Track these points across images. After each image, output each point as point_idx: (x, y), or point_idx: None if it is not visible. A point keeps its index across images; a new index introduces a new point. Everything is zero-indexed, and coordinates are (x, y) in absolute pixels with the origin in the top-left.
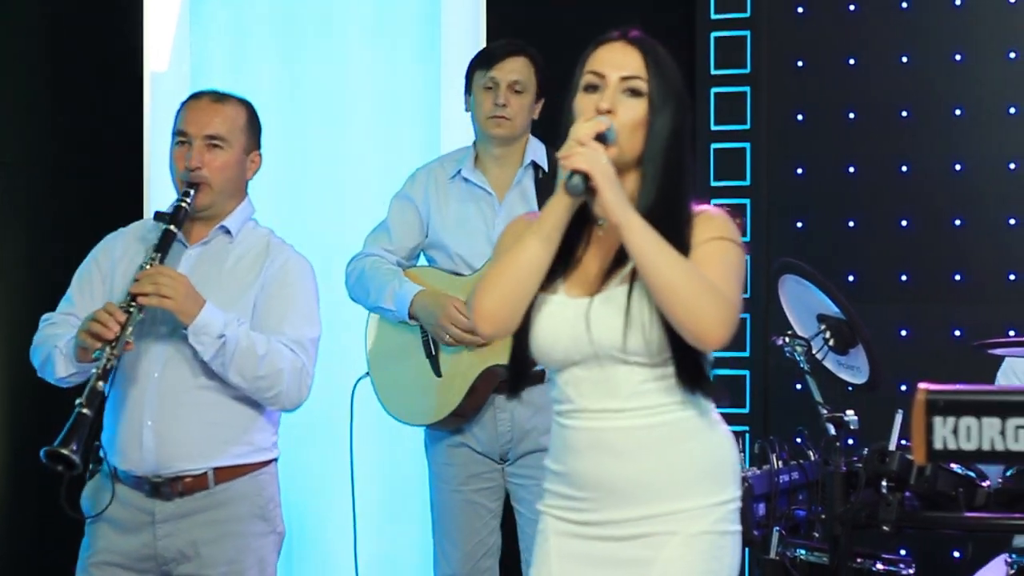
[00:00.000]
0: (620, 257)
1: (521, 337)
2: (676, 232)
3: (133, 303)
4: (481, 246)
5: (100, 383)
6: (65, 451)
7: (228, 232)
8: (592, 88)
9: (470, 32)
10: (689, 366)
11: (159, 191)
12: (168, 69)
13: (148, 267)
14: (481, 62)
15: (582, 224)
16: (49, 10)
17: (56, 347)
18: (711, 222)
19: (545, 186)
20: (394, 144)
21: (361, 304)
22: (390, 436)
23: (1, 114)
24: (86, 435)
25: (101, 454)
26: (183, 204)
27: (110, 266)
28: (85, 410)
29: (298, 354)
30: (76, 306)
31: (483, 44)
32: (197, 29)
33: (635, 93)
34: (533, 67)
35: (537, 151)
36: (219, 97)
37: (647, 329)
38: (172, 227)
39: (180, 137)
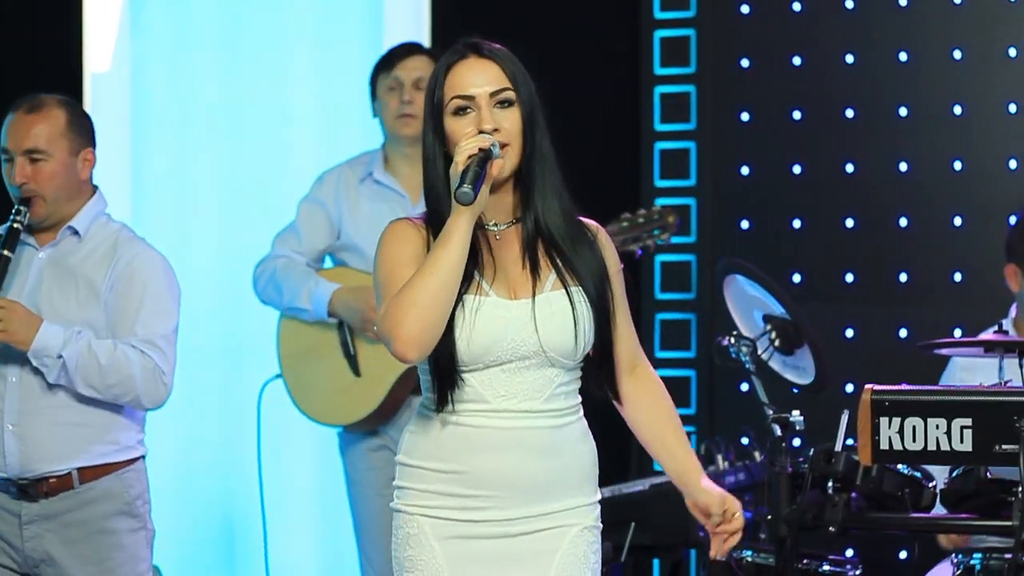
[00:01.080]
0: (536, 258)
1: (447, 342)
2: (588, 247)
3: None
4: None
5: None
6: None
7: (76, 232)
8: (463, 111)
9: (414, 35)
10: (608, 373)
11: None
12: (109, 70)
13: None
14: (382, 65)
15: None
16: None
17: None
18: (609, 243)
19: None
20: (337, 147)
21: (272, 306)
22: (306, 439)
23: None
24: None
25: None
26: (15, 225)
27: None
28: None
29: (148, 354)
30: None
31: (428, 30)
32: (138, 30)
33: (506, 104)
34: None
35: None
36: (33, 107)
37: (587, 335)
38: (6, 252)
39: (5, 154)
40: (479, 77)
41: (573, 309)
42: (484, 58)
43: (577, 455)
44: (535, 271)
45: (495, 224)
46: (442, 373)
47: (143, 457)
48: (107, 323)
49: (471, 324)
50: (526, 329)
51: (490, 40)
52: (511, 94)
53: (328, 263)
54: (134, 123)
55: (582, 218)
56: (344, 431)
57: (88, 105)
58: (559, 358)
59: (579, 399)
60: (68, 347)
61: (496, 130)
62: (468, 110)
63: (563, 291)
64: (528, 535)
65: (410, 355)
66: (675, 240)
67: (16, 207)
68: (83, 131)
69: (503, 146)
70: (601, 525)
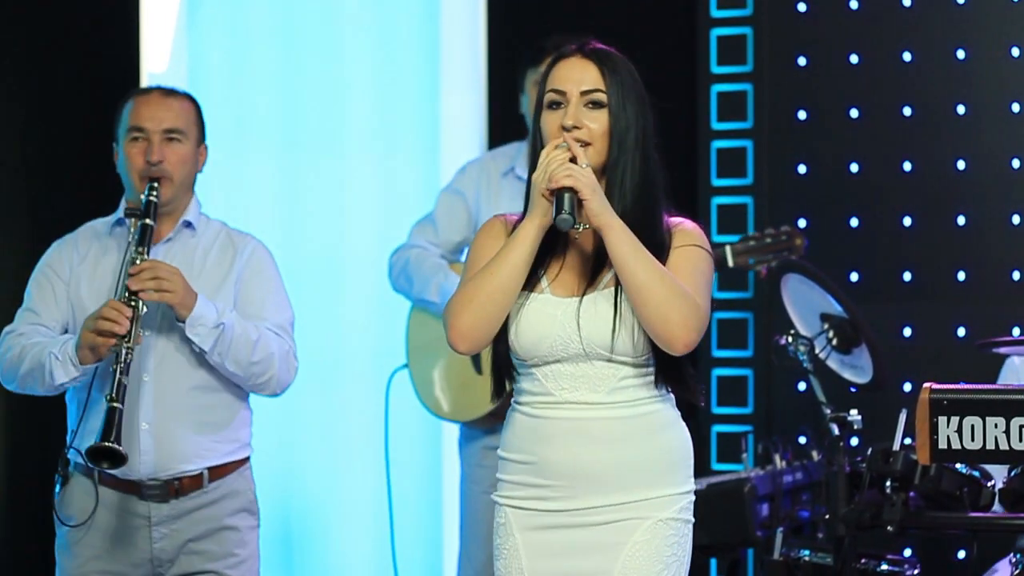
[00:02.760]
0: (604, 259)
1: (502, 338)
2: (652, 236)
3: (135, 297)
4: None
5: (124, 378)
6: (110, 444)
7: (191, 226)
8: (555, 105)
9: (470, 32)
10: (669, 366)
11: None
12: (166, 70)
13: (139, 262)
14: (530, 61)
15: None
16: (46, 10)
17: (51, 354)
18: (686, 233)
19: None
20: (393, 143)
21: (404, 295)
22: (416, 431)
23: None
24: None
25: (73, 460)
26: (152, 198)
27: (69, 272)
28: (117, 404)
29: (283, 337)
30: (41, 316)
31: (483, 44)
32: (195, 29)
33: (596, 105)
34: None
35: None
36: (168, 92)
37: (635, 330)
38: (148, 221)
39: (136, 133)
40: (575, 74)
41: (616, 309)
42: (586, 58)
43: (653, 446)
44: (597, 270)
45: (579, 223)
46: (497, 365)
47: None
48: (237, 312)
49: (519, 320)
50: (570, 327)
51: (539, 37)
52: (601, 96)
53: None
54: None
55: (674, 217)
56: (464, 426)
57: None
58: (609, 355)
59: (661, 390)
60: (225, 316)
61: (576, 127)
62: (560, 105)
63: (612, 290)
64: (598, 526)
65: (461, 347)
66: (732, 239)
67: (150, 184)
68: (204, 127)
69: (585, 145)
70: (686, 517)
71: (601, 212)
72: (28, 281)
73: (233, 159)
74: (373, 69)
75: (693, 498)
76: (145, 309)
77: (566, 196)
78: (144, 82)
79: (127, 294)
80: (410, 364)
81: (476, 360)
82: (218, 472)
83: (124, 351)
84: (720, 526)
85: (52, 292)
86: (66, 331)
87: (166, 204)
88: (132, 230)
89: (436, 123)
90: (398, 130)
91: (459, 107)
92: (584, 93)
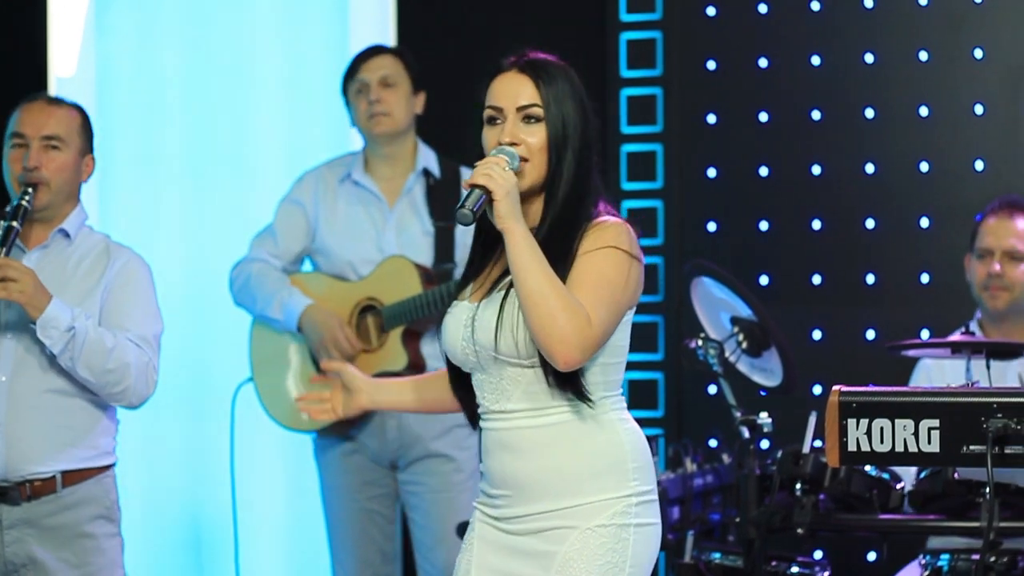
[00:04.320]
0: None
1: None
2: (562, 240)
3: None
4: (369, 251)
5: None
6: None
7: (67, 235)
8: (493, 121)
9: (379, 38)
10: (557, 372)
11: None
12: (74, 74)
13: None
14: (349, 72)
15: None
16: None
17: None
18: (603, 232)
19: (437, 193)
20: (303, 147)
21: (246, 310)
22: (277, 442)
23: None
24: None
25: None
26: (23, 203)
27: None
28: None
29: (143, 349)
30: None
31: (393, 32)
32: (103, 33)
33: (533, 119)
34: (401, 62)
35: (428, 158)
36: (53, 100)
37: (515, 331)
38: (14, 223)
39: (16, 139)
40: (511, 90)
41: (501, 307)
42: (522, 72)
43: (574, 453)
44: (505, 273)
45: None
46: (457, 392)
47: (115, 464)
48: (101, 320)
49: (443, 329)
50: (468, 330)
51: (447, 31)
52: (538, 110)
53: (308, 265)
54: (99, 127)
55: (607, 217)
56: (318, 435)
57: None
58: (494, 355)
59: (577, 396)
60: (78, 321)
61: (514, 144)
62: (497, 120)
63: (505, 291)
64: (533, 534)
65: None
66: (643, 243)
67: (24, 188)
68: (90, 138)
69: (523, 160)
70: (623, 521)
71: (506, 216)
72: None
73: (141, 164)
74: (282, 74)
75: (640, 499)
76: None
77: (474, 192)
78: (52, 87)
79: None
80: (254, 377)
81: (320, 370)
82: (73, 478)
83: None
84: None
85: None
86: None
87: (42, 210)
88: None
89: (345, 126)
90: (308, 135)
91: None
92: (520, 108)
